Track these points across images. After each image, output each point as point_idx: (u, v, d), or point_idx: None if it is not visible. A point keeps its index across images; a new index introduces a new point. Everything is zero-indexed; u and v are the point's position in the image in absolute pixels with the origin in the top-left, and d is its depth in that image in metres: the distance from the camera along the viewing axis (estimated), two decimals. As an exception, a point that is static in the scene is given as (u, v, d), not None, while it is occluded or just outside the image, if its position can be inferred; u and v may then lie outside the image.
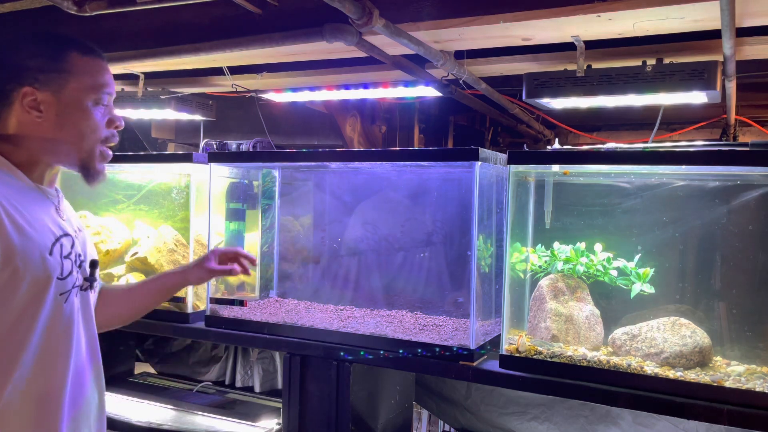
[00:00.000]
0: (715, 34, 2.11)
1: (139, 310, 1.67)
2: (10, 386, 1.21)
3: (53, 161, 1.35)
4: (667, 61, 2.31)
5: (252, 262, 1.78)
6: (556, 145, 2.37)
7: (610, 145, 2.58)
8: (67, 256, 1.32)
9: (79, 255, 1.37)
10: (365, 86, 2.93)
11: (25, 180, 1.32)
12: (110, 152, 1.40)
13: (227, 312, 2.32)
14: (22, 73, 1.30)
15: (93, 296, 1.44)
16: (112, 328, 1.66)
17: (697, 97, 2.35)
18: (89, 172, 1.37)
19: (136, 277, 2.62)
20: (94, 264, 1.42)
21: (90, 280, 1.40)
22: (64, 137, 1.32)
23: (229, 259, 1.75)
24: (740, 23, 2.05)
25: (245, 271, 1.76)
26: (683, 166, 1.76)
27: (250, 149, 2.87)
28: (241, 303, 2.32)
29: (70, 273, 1.32)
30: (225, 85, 3.26)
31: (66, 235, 1.34)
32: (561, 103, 2.55)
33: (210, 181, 2.40)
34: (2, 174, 1.29)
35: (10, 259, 1.19)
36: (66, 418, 1.29)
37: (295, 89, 3.08)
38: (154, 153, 4.11)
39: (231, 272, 1.70)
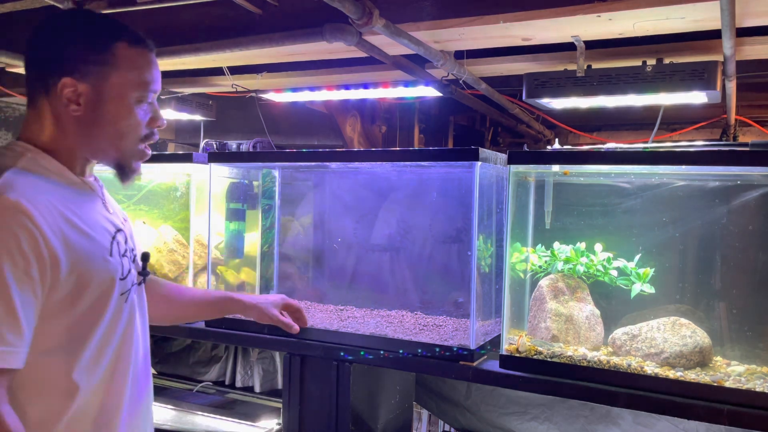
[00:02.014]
0: (715, 34, 2.11)
1: (190, 319, 1.68)
2: (80, 386, 1.18)
3: (90, 157, 1.27)
4: (667, 61, 2.31)
5: (304, 323, 1.87)
6: (556, 145, 2.37)
7: (610, 145, 2.58)
8: (124, 254, 1.27)
9: (132, 249, 1.33)
10: (365, 86, 2.93)
11: (73, 178, 1.24)
12: (149, 151, 1.32)
13: (227, 312, 2.32)
14: (63, 62, 1.19)
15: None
16: (153, 324, 1.66)
17: (697, 97, 2.36)
18: (125, 171, 1.29)
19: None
20: (145, 257, 1.37)
21: (143, 273, 1.36)
22: (101, 134, 1.23)
23: (292, 312, 1.82)
24: (740, 23, 2.05)
25: (303, 324, 1.86)
26: (683, 166, 1.76)
27: (250, 149, 2.87)
28: None
29: (129, 271, 1.28)
30: (225, 85, 3.26)
31: (119, 230, 1.29)
32: (561, 103, 2.55)
33: (210, 181, 2.39)
34: (52, 175, 1.20)
35: (75, 265, 1.14)
36: (125, 414, 1.27)
37: (295, 89, 3.08)
38: (154, 153, 4.10)
39: (291, 329, 1.77)
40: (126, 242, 1.30)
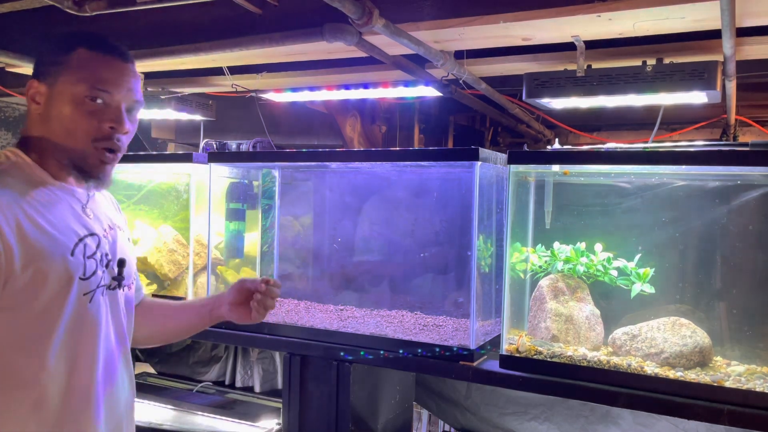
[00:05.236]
0: (715, 34, 2.11)
1: (184, 331, 1.65)
2: (39, 380, 1.23)
3: (57, 157, 1.31)
4: (667, 61, 2.31)
5: (269, 293, 1.51)
6: (556, 145, 2.36)
7: (610, 145, 2.58)
8: (92, 256, 1.31)
9: (106, 254, 1.36)
10: (365, 86, 2.93)
11: (47, 178, 1.31)
12: (108, 155, 1.33)
13: (227, 312, 2.32)
14: (35, 67, 1.34)
15: (124, 294, 1.42)
16: (155, 344, 1.71)
17: (697, 97, 2.35)
18: (83, 172, 1.31)
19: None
20: (121, 263, 1.40)
21: (118, 279, 1.39)
22: (53, 131, 1.29)
23: (249, 292, 1.52)
24: (740, 23, 2.05)
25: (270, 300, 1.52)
26: (683, 166, 1.76)
27: (250, 149, 2.87)
28: None
29: (94, 273, 1.31)
30: (225, 85, 3.27)
31: (91, 234, 1.33)
32: (561, 103, 2.55)
33: (210, 181, 2.40)
34: (22, 173, 1.28)
35: (31, 259, 1.19)
36: (101, 405, 1.32)
37: (295, 89, 3.08)
38: (154, 153, 4.10)
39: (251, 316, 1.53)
40: (98, 247, 1.34)
